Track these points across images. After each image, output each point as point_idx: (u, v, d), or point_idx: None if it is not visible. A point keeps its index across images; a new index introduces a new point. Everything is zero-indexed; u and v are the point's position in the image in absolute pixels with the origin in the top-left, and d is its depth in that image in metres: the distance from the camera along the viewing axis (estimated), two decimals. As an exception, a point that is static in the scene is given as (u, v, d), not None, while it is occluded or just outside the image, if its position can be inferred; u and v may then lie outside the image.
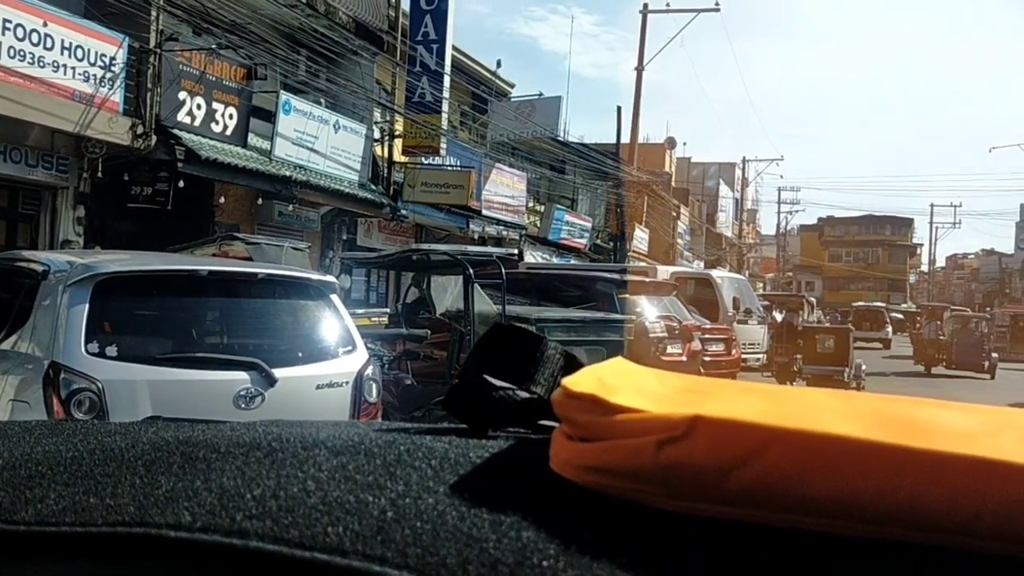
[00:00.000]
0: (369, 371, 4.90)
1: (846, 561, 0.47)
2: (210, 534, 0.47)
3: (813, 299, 32.50)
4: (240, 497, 0.50)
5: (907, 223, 73.07)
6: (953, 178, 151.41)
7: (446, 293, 9.60)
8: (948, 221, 68.84)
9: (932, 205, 67.91)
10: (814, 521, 0.48)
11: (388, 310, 11.37)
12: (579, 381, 0.57)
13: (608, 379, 0.60)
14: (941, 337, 24.42)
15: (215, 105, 12.38)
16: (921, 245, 75.96)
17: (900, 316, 44.55)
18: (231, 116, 12.68)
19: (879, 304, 43.54)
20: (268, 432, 0.64)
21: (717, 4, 27.91)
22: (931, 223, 68.57)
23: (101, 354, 4.02)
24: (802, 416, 0.52)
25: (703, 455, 0.49)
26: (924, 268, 78.61)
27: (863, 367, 14.78)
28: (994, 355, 23.41)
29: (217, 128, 12.45)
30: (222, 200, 13.72)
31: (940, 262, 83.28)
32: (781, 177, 71.79)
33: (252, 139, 13.24)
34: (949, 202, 69.21)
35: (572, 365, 0.72)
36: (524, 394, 0.71)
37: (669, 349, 11.42)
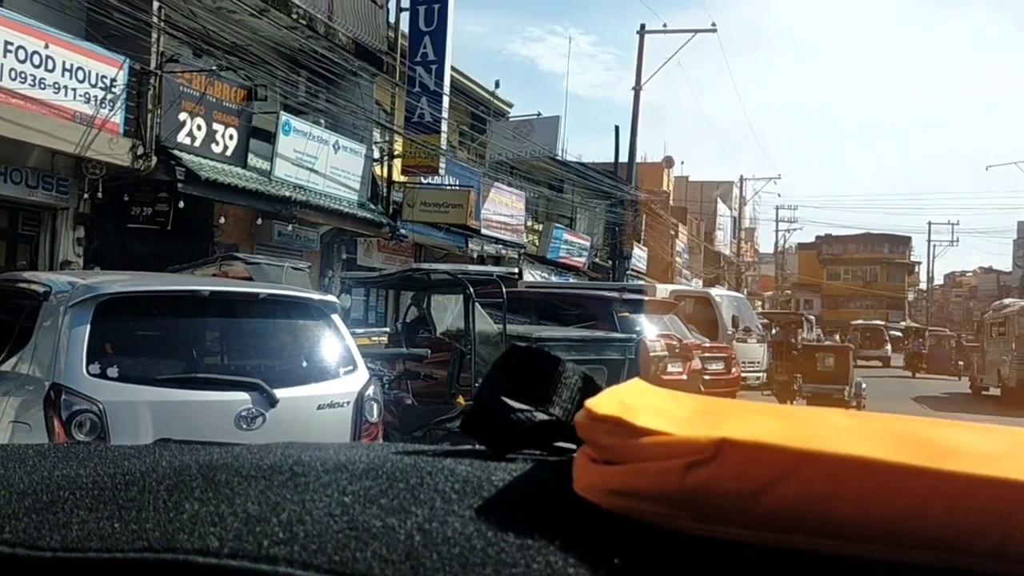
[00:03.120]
0: (370, 391, 4.89)
1: None
2: (238, 560, 0.46)
3: (812, 317, 32.53)
4: (266, 522, 0.50)
5: (905, 241, 73.14)
6: (950, 196, 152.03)
7: (446, 312, 9.60)
8: (946, 239, 68.89)
9: (929, 223, 67.85)
10: (842, 545, 0.48)
11: (388, 329, 11.36)
12: (603, 403, 0.57)
13: (629, 401, 0.60)
14: (923, 350, 31.92)
15: (215, 126, 12.41)
16: (919, 263, 75.99)
17: (899, 334, 44.55)
18: (231, 137, 12.71)
19: (878, 322, 43.54)
20: (287, 455, 0.64)
21: (714, 25, 28.12)
22: (929, 241, 68.55)
23: (102, 375, 4.01)
24: (823, 438, 0.52)
25: (730, 478, 0.49)
26: (922, 286, 78.58)
27: (863, 386, 14.74)
28: (960, 363, 28.62)
29: (217, 149, 12.48)
30: (222, 220, 13.74)
31: (938, 280, 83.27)
32: (779, 195, 72.38)
33: (252, 160, 13.26)
34: (947, 220, 69.04)
35: (590, 387, 0.72)
36: (542, 416, 0.70)
37: (669, 368, 11.40)
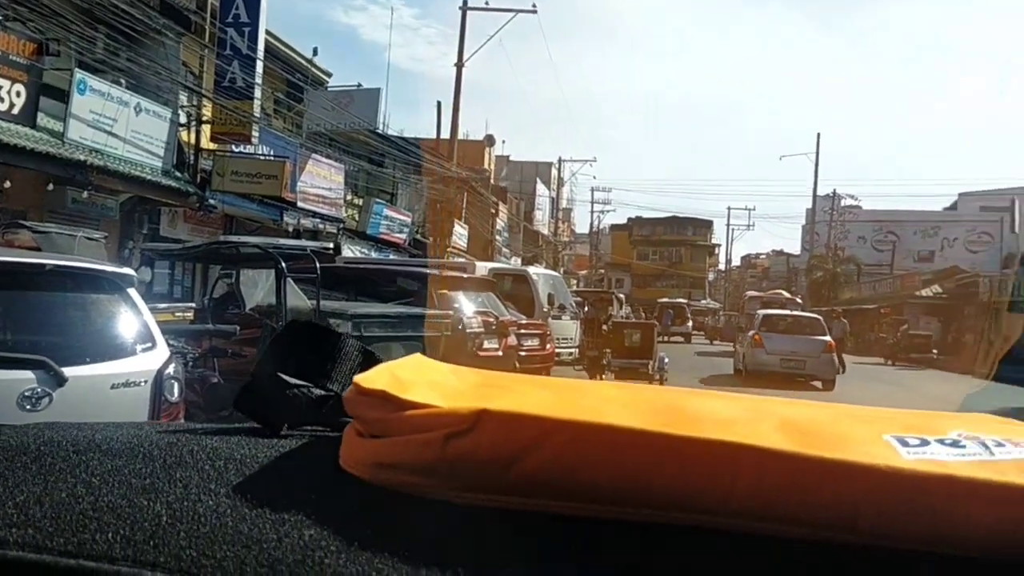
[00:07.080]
0: (170, 369, 4.66)
1: (622, 543, 0.50)
2: None
3: (623, 295, 34.04)
4: (1, 504, 0.47)
5: (707, 224, 77.75)
6: (748, 183, 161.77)
7: (256, 288, 9.28)
8: (743, 223, 73.84)
9: (729, 208, 72.45)
10: (590, 507, 0.50)
11: (194, 305, 10.84)
12: (372, 378, 0.58)
13: (403, 375, 0.61)
14: (718, 325, 42.82)
15: (0, 82, 11.37)
16: (719, 245, 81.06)
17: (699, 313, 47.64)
18: (18, 94, 11.71)
19: (681, 300, 46.22)
20: (39, 435, 0.60)
21: (534, 6, 28.53)
22: (728, 225, 73.29)
23: None
24: (585, 407, 0.54)
25: (487, 448, 0.50)
26: (721, 267, 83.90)
27: (666, 360, 15.57)
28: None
29: (2, 107, 11.47)
30: (7, 185, 12.61)
31: (736, 261, 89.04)
32: (594, 178, 74.37)
33: (42, 119, 12.31)
34: (744, 205, 74.02)
35: (370, 361, 0.72)
36: (320, 392, 0.70)
37: (486, 344, 11.58)
